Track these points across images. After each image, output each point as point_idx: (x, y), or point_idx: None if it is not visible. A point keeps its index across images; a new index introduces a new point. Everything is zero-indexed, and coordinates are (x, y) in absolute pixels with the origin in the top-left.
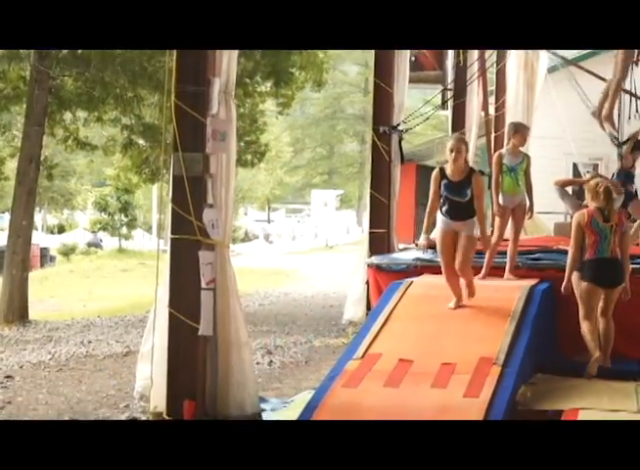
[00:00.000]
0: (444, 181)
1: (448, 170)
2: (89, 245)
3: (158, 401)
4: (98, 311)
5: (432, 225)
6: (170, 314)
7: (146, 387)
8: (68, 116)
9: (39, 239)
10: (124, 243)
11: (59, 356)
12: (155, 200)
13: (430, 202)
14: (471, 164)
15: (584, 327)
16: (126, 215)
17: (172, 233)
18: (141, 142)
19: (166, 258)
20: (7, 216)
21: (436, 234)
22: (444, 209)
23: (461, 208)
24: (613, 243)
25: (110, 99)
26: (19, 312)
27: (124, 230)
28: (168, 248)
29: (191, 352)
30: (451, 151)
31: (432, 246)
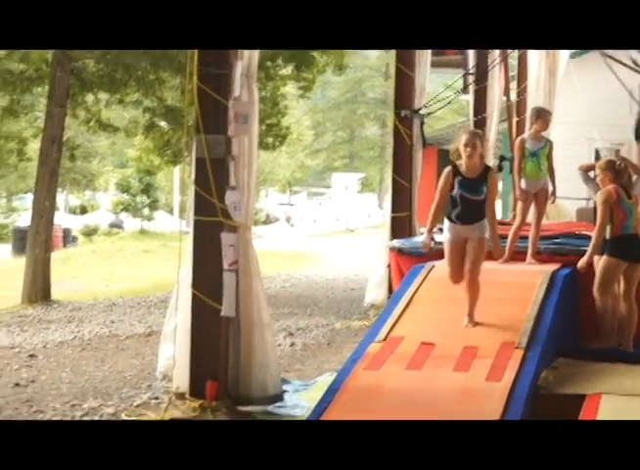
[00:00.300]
0: (459, 178)
1: (463, 167)
2: (111, 226)
3: (180, 382)
4: (120, 292)
5: (436, 224)
6: (193, 295)
7: (169, 367)
8: (90, 97)
9: (62, 220)
10: (146, 224)
11: (82, 336)
12: (176, 182)
13: (436, 200)
14: (492, 149)
15: (601, 302)
16: (148, 197)
17: (195, 215)
18: (163, 124)
19: (189, 239)
20: (30, 197)
21: (444, 244)
22: (455, 213)
23: (475, 208)
24: (636, 219)
25: (131, 81)
26: (42, 292)
27: (146, 212)
28: (191, 229)
29: (213, 334)
30: (466, 146)
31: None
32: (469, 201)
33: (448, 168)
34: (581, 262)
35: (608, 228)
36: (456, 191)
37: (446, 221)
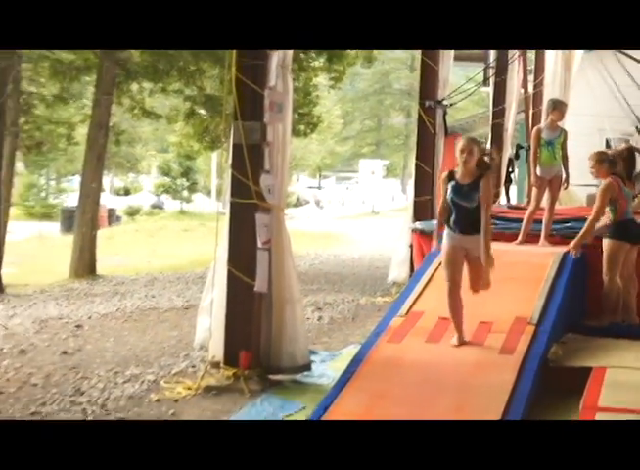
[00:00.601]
0: (452, 183)
1: (458, 173)
2: (153, 207)
3: (216, 352)
4: (160, 268)
5: (443, 225)
6: (229, 272)
7: (205, 338)
8: (134, 86)
9: (107, 200)
10: (185, 205)
11: (124, 308)
12: (214, 166)
13: (440, 205)
14: (510, 138)
15: (610, 282)
16: (187, 180)
17: (232, 197)
18: (202, 112)
19: (225, 219)
20: (77, 179)
21: (443, 248)
22: (452, 220)
23: (469, 216)
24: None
25: (173, 71)
26: (88, 268)
27: (185, 193)
28: (227, 210)
29: (247, 307)
30: (462, 151)
31: None
32: (460, 207)
33: (445, 173)
34: (573, 246)
35: (611, 215)
36: (448, 196)
37: (446, 228)
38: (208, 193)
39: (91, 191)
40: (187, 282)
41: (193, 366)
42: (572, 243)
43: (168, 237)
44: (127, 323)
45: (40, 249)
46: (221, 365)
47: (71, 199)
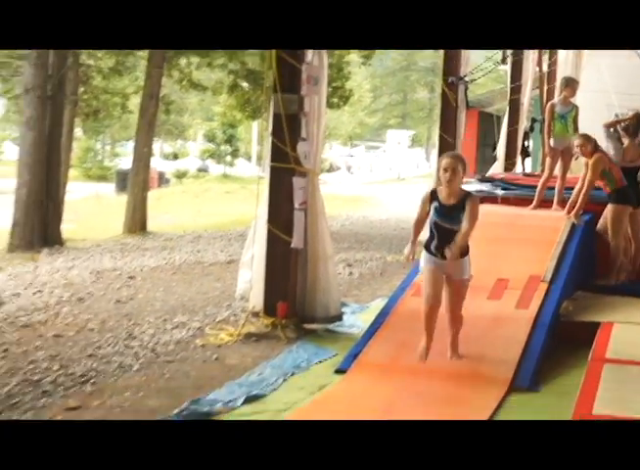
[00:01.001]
0: (435, 204)
1: (442, 193)
2: (198, 170)
3: (256, 302)
4: (205, 226)
5: (418, 235)
6: (268, 230)
7: (246, 290)
8: (183, 60)
9: (157, 164)
10: (228, 169)
11: (173, 262)
12: (255, 134)
13: (417, 216)
14: (525, 112)
15: (615, 243)
16: (230, 146)
17: (272, 162)
18: (244, 85)
19: (265, 182)
20: (131, 144)
21: (423, 270)
22: (434, 244)
23: (452, 239)
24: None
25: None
26: (139, 225)
27: (228, 158)
28: (267, 174)
29: (285, 262)
30: (445, 170)
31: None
32: (444, 230)
33: (427, 192)
34: (574, 216)
35: (610, 184)
36: (431, 218)
37: (424, 253)
38: (249, 158)
39: (143, 155)
40: (229, 239)
41: (235, 315)
42: (572, 213)
43: (212, 198)
44: (175, 275)
45: (97, 207)
46: (260, 315)
47: (125, 162)
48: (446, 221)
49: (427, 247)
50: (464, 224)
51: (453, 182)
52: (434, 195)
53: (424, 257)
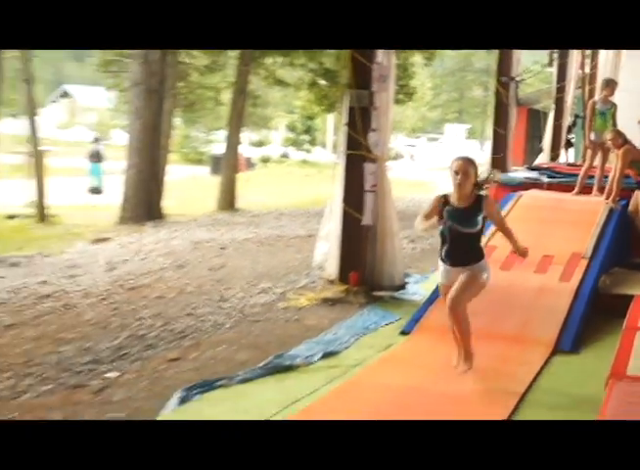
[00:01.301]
0: (447, 208)
1: (453, 197)
2: (281, 156)
3: (331, 271)
4: (287, 205)
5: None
6: (343, 209)
7: (323, 260)
8: (268, 60)
9: (245, 150)
10: (306, 156)
11: (259, 235)
12: (330, 125)
13: (423, 213)
14: (569, 109)
15: None
16: (309, 135)
17: (346, 149)
18: (322, 82)
19: (339, 167)
20: (223, 132)
21: (439, 279)
22: (444, 250)
23: (466, 242)
24: None
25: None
26: (230, 202)
27: (307, 146)
28: (342, 160)
29: (357, 237)
30: (456, 173)
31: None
32: (460, 234)
33: (438, 195)
34: (612, 201)
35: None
36: (445, 222)
37: (439, 262)
38: (324, 146)
39: (233, 143)
40: (308, 216)
41: (313, 282)
42: (610, 200)
43: (293, 181)
44: (261, 247)
45: (193, 187)
46: (335, 282)
47: (218, 148)
48: (462, 225)
49: (440, 255)
50: (498, 224)
51: (464, 186)
52: (445, 199)
53: (439, 268)
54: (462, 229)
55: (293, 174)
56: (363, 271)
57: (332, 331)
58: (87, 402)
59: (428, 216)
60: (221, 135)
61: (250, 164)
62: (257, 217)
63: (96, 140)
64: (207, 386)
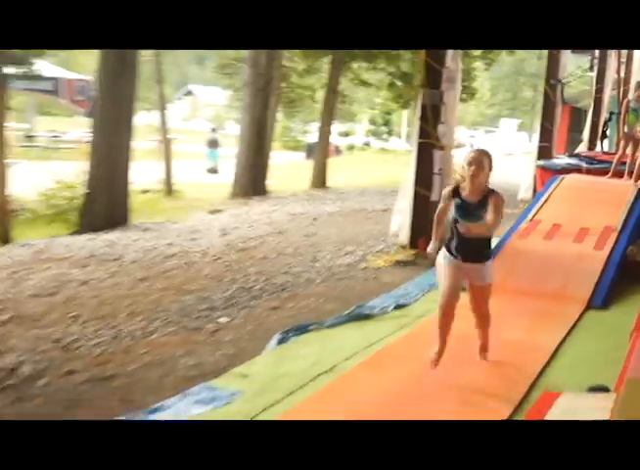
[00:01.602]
0: (457, 201)
1: (465, 190)
2: (364, 144)
3: (404, 239)
4: (367, 184)
5: (440, 232)
6: (415, 188)
7: (397, 230)
8: (354, 64)
9: (334, 139)
10: (385, 144)
11: (344, 208)
12: (405, 119)
13: (438, 211)
14: (605, 107)
15: None
16: (387, 127)
17: (419, 139)
18: (399, 83)
19: (412, 154)
20: (316, 125)
21: (443, 269)
22: (453, 244)
23: (475, 240)
24: None
25: (381, 55)
26: (321, 182)
27: (385, 136)
28: (414, 149)
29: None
30: (470, 164)
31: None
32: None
33: (449, 188)
34: (634, 180)
35: None
36: (453, 216)
37: (445, 253)
38: (400, 137)
39: (325, 133)
40: (385, 194)
41: (388, 247)
42: (638, 182)
43: (373, 165)
44: (346, 218)
45: (291, 169)
46: (407, 247)
47: (312, 137)
48: (470, 220)
49: (447, 247)
50: (489, 217)
51: (478, 177)
52: (455, 192)
53: (445, 257)
54: (468, 223)
55: (373, 160)
56: (429, 239)
57: (403, 287)
58: (203, 342)
59: (442, 213)
60: (315, 127)
61: (338, 151)
62: (343, 194)
63: (213, 130)
64: (301, 330)
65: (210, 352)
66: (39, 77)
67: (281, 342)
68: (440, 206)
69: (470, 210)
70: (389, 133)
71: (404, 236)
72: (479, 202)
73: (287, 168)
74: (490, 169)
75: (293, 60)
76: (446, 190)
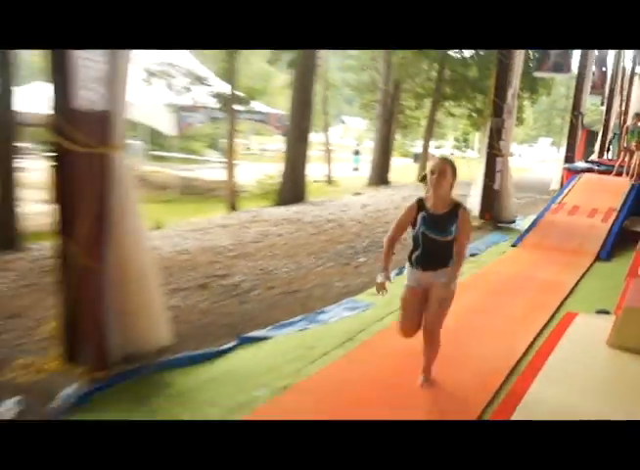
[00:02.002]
0: (422, 214)
1: (429, 201)
2: (450, 154)
3: (476, 213)
4: None
5: (389, 260)
6: (484, 180)
7: (471, 207)
8: (446, 103)
9: (432, 150)
10: (463, 154)
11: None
12: (476, 138)
13: (390, 233)
14: (611, 128)
15: None
16: (465, 143)
17: (487, 150)
18: (474, 115)
19: (482, 160)
20: (420, 142)
21: (403, 291)
22: (415, 255)
23: (439, 250)
24: None
25: (462, 97)
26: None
27: (464, 149)
28: (483, 157)
29: (490, 193)
30: (432, 172)
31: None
32: (432, 241)
33: (413, 202)
34: (635, 179)
35: None
36: (418, 229)
37: (407, 265)
38: (473, 149)
39: (425, 146)
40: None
41: None
42: (632, 180)
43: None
44: (407, 202)
45: (404, 169)
46: (477, 218)
47: (417, 149)
48: (436, 232)
49: (409, 258)
50: (460, 241)
51: (440, 187)
52: (420, 204)
53: (407, 270)
54: (434, 236)
55: (456, 164)
56: (492, 212)
57: (474, 244)
58: (350, 273)
59: (399, 228)
60: (419, 142)
61: (433, 158)
62: (400, 189)
63: (357, 144)
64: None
65: (354, 279)
66: (255, 112)
67: (398, 274)
68: (400, 218)
69: (435, 222)
70: (466, 147)
71: (475, 210)
72: (444, 214)
73: (401, 169)
74: (454, 178)
75: (406, 99)
76: (411, 203)
